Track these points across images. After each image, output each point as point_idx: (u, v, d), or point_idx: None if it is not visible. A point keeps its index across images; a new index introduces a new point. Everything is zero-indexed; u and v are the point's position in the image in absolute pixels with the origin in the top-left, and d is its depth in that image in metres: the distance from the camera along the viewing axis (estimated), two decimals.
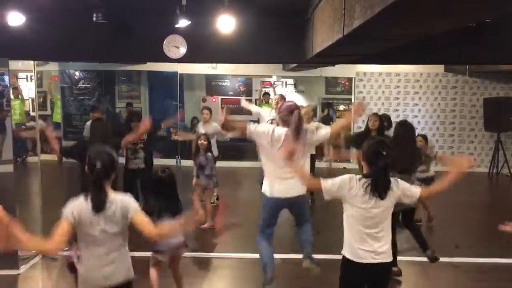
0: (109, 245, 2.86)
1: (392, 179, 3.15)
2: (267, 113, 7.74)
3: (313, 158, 7.97)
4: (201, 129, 7.59)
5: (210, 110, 7.88)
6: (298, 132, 4.09)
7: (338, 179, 3.14)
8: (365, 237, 3.10)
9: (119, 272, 2.92)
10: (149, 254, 4.22)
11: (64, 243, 2.78)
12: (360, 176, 3.14)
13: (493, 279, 5.22)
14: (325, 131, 4.37)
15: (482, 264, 5.61)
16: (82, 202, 2.83)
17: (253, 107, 8.36)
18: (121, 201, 2.87)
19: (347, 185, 3.11)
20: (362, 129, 6.90)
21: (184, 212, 4.02)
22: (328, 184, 3.15)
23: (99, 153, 2.90)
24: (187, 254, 4.65)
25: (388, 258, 3.15)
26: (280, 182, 4.17)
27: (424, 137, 7.34)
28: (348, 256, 3.16)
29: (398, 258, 4.99)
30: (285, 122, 4.20)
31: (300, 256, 4.40)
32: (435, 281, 4.86)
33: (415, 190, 3.22)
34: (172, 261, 4.24)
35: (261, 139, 4.23)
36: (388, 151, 3.08)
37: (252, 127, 4.29)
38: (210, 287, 5.00)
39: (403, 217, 5.16)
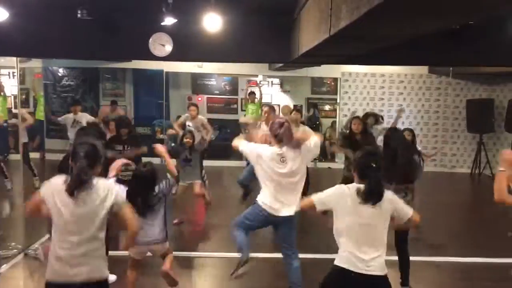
0: (81, 234, 2.72)
1: (388, 192, 3.08)
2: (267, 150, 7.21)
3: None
4: (188, 123, 7.64)
5: (197, 106, 7.96)
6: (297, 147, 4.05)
7: (331, 191, 3.13)
8: (358, 247, 3.01)
9: (90, 269, 2.75)
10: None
11: (34, 211, 2.81)
12: (352, 185, 3.08)
13: (474, 278, 5.29)
14: (314, 143, 4.16)
15: (463, 264, 5.68)
16: (59, 183, 2.75)
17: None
18: (106, 186, 2.81)
19: (340, 196, 3.07)
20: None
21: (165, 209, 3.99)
22: (319, 198, 3.13)
23: (82, 143, 2.86)
24: (177, 253, 4.61)
25: (380, 272, 3.02)
26: (278, 202, 4.10)
27: (411, 131, 7.34)
28: (339, 264, 3.07)
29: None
30: (276, 138, 4.07)
31: None
32: (417, 280, 4.89)
33: (407, 211, 3.11)
34: (160, 257, 4.15)
35: (262, 165, 4.12)
36: (379, 163, 3.02)
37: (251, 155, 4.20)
38: (194, 286, 4.99)
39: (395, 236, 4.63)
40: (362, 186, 3.01)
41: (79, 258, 2.73)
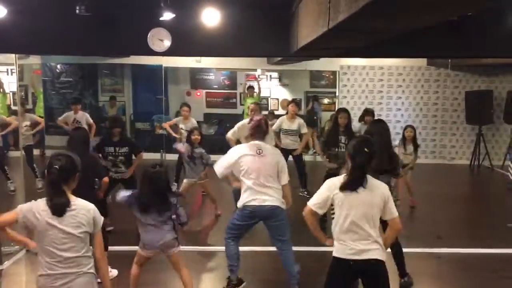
0: (66, 252, 2.74)
1: (383, 184, 3.17)
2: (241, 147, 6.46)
3: (300, 159, 8.09)
4: (181, 125, 7.70)
5: (189, 106, 8.03)
6: (259, 133, 4.36)
7: (322, 189, 3.19)
8: (352, 235, 3.09)
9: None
10: (131, 248, 4.20)
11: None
12: (343, 175, 3.15)
13: (474, 269, 5.33)
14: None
15: (463, 255, 5.71)
16: (40, 204, 2.78)
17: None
18: (86, 207, 2.82)
19: (331, 189, 3.14)
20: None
21: (173, 210, 3.95)
22: (314, 202, 3.18)
23: (58, 155, 2.86)
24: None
25: (376, 255, 3.09)
26: (256, 193, 4.23)
27: (413, 128, 7.37)
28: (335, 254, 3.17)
29: None
30: (251, 132, 4.41)
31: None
32: (418, 271, 4.93)
33: (394, 212, 3.16)
34: (168, 258, 4.11)
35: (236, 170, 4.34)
36: (371, 149, 3.08)
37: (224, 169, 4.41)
38: (193, 280, 5.01)
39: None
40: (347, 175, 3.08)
41: (63, 278, 2.75)
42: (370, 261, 3.07)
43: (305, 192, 7.86)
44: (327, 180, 3.23)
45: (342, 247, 3.12)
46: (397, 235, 3.43)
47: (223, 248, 4.50)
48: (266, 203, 4.21)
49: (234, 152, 4.39)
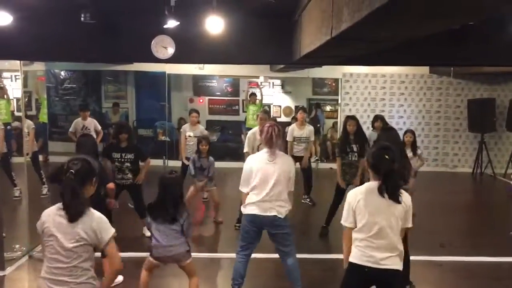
0: (68, 263, 2.65)
1: (406, 193, 3.12)
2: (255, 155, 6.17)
3: (309, 167, 7.99)
4: (188, 131, 7.68)
5: (198, 113, 7.92)
6: (270, 144, 4.20)
7: (346, 205, 3.16)
8: (372, 243, 3.07)
9: None
10: (136, 254, 4.20)
11: None
12: (364, 184, 3.16)
13: (477, 277, 5.31)
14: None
15: (466, 263, 5.70)
16: (53, 209, 2.72)
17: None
18: (97, 218, 2.71)
19: (354, 200, 3.11)
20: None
21: (186, 220, 3.92)
22: (345, 219, 3.16)
23: (75, 159, 2.78)
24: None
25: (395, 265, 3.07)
26: (262, 203, 4.19)
27: (413, 133, 7.38)
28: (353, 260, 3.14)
29: None
30: (264, 141, 4.30)
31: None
32: (420, 279, 4.92)
33: (409, 222, 3.14)
34: (181, 268, 4.12)
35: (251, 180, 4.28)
36: (391, 156, 3.04)
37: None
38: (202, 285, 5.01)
39: None
40: (375, 183, 3.07)
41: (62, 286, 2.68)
42: (388, 271, 3.05)
43: (308, 199, 7.86)
44: (351, 193, 3.21)
45: (360, 253, 3.10)
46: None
47: (227, 255, 4.51)
48: (272, 213, 4.18)
49: (247, 166, 4.34)
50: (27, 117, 9.81)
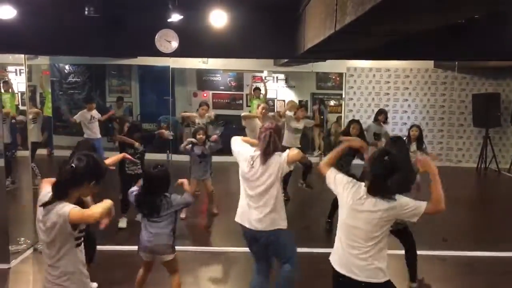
0: (48, 253, 2.59)
1: (397, 202, 2.88)
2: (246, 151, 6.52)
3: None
4: (198, 120, 7.88)
5: (208, 106, 8.39)
6: (265, 153, 3.64)
7: (345, 178, 3.09)
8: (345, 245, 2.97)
9: None
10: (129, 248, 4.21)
11: None
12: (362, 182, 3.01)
13: (480, 271, 5.31)
14: (288, 156, 3.66)
15: (469, 257, 5.70)
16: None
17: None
18: (58, 211, 2.49)
19: (347, 185, 3.02)
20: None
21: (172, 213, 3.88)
22: (335, 172, 3.13)
23: (84, 154, 2.61)
24: (181, 248, 4.66)
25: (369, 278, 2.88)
26: (248, 210, 3.78)
27: (419, 128, 7.38)
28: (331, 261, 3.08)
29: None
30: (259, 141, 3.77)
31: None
32: (423, 274, 4.93)
33: (419, 205, 2.90)
34: (162, 263, 4.02)
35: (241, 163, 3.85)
36: (392, 160, 2.89)
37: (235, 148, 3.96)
38: (197, 281, 5.04)
39: (400, 235, 4.58)
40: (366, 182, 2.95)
41: (49, 274, 2.64)
42: (359, 283, 2.89)
43: (304, 184, 7.99)
44: (353, 179, 3.09)
45: (333, 251, 3.06)
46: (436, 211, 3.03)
47: (226, 248, 4.48)
48: (258, 227, 3.69)
49: (240, 148, 3.90)
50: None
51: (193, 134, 6.88)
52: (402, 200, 2.89)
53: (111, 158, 3.91)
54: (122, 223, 6.29)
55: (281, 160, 3.63)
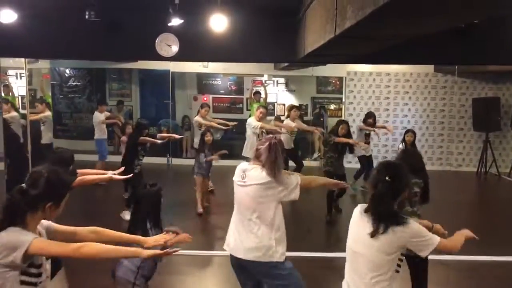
0: None
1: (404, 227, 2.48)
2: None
3: (294, 152, 8.75)
4: (201, 121, 8.23)
5: (209, 107, 8.97)
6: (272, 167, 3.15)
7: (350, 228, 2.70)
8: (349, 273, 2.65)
9: None
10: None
11: None
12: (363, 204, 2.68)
13: (482, 276, 5.30)
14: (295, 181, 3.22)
15: (471, 262, 5.68)
16: None
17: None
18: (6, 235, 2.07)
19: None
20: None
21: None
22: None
23: (39, 172, 2.17)
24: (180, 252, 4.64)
25: None
26: (236, 233, 3.30)
27: (414, 133, 7.86)
28: None
29: None
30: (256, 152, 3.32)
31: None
32: None
33: (431, 237, 2.61)
34: None
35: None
36: (394, 177, 2.52)
37: None
38: (197, 285, 5.03)
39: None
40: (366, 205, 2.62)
41: None
42: None
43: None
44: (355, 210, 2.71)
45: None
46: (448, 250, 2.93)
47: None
48: (245, 256, 3.22)
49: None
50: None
51: (201, 135, 7.30)
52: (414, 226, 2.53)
53: (99, 177, 3.77)
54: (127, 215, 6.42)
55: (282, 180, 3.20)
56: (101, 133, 9.51)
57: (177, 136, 8.23)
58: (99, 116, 9.55)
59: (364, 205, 2.63)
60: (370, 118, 8.58)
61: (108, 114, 9.82)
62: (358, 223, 2.59)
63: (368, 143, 8.67)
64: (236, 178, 3.33)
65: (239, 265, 3.29)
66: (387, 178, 2.50)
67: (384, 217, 2.47)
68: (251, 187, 3.19)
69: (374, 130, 8.64)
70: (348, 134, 7.08)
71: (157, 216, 3.40)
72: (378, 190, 2.51)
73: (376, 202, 2.52)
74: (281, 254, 3.21)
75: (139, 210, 3.41)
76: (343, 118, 11.94)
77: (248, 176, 3.23)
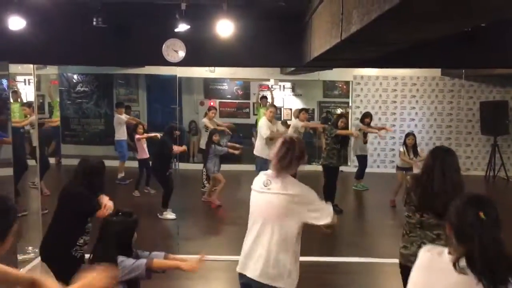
0: None
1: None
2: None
3: None
4: (208, 123, 9.06)
5: (216, 110, 9.75)
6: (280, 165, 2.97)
7: (413, 278, 2.05)
8: None
9: None
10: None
11: None
12: (439, 249, 2.04)
13: None
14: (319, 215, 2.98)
15: None
16: None
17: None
18: None
19: (428, 272, 1.99)
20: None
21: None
22: None
23: None
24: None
25: None
26: (245, 251, 3.09)
27: (414, 136, 8.30)
28: None
29: (389, 260, 4.75)
30: (276, 157, 3.05)
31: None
32: None
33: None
34: None
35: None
36: (491, 215, 1.96)
37: None
38: None
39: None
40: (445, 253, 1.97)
41: None
42: None
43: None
44: (422, 256, 2.07)
45: None
46: None
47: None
48: (250, 273, 2.99)
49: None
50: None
51: (210, 134, 8.10)
52: None
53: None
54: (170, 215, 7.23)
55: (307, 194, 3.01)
56: (121, 134, 9.81)
57: (152, 134, 8.82)
58: (120, 118, 9.84)
59: (440, 249, 1.95)
60: (367, 118, 9.32)
61: (128, 116, 10.11)
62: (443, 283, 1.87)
63: (366, 142, 9.53)
64: (257, 185, 3.05)
65: (247, 285, 3.05)
66: (482, 217, 1.90)
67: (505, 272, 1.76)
68: (277, 196, 2.92)
69: (372, 131, 9.30)
70: (347, 128, 7.96)
71: (126, 248, 3.10)
72: (478, 234, 1.81)
73: (483, 249, 1.80)
74: (293, 280, 2.96)
75: (102, 237, 3.15)
76: (349, 122, 11.95)
77: (274, 182, 2.96)
